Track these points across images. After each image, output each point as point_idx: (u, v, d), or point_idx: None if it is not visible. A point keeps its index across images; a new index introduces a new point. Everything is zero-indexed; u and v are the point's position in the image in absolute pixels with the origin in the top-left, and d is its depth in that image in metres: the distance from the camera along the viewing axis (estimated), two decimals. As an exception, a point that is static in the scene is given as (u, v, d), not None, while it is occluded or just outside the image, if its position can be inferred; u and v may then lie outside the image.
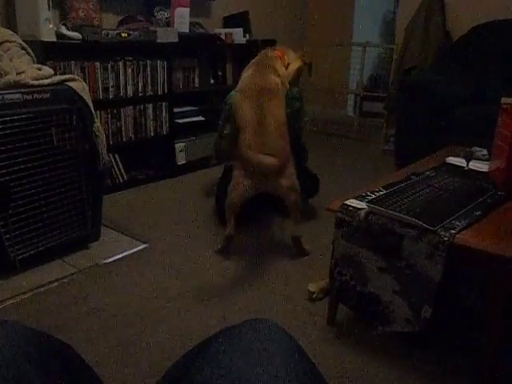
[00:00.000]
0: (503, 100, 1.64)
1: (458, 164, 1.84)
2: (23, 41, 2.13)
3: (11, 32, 2.14)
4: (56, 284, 1.88)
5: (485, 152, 1.93)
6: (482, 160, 1.86)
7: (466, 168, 1.77)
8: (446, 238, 1.23)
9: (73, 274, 1.96)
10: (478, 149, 1.95)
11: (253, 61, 2.35)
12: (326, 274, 1.66)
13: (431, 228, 1.26)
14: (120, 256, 2.13)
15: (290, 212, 2.05)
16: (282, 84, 2.23)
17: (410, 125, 3.16)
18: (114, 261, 2.08)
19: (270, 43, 3.92)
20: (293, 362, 0.52)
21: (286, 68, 2.36)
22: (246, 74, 2.27)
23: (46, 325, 1.60)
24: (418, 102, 3.07)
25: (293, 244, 2.14)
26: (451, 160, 1.91)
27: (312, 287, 1.79)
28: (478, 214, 1.36)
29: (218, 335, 0.58)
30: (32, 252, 1.95)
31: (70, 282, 1.91)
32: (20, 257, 1.91)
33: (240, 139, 1.98)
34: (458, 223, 1.29)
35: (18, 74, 1.90)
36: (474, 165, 1.79)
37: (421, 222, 1.27)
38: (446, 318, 1.67)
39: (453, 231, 1.24)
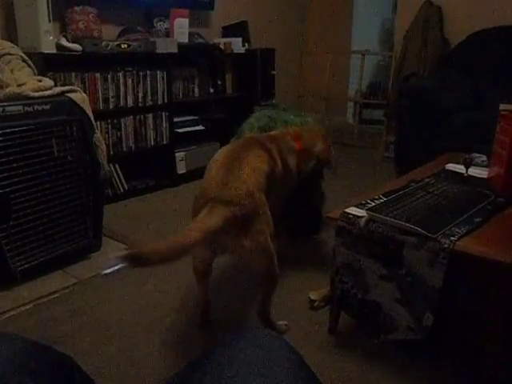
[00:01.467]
0: (502, 106, 1.65)
1: (458, 171, 1.84)
2: (24, 53, 2.15)
3: (12, 44, 2.17)
4: (57, 295, 1.88)
5: (484, 158, 1.93)
6: (481, 166, 1.86)
7: (465, 174, 1.77)
8: (446, 245, 1.23)
9: (74, 284, 1.96)
10: (477, 155, 1.95)
11: None
12: (327, 282, 1.65)
13: (431, 235, 1.26)
14: (121, 266, 2.12)
15: (258, 283, 1.56)
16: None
17: (409, 132, 3.17)
18: (115, 271, 2.08)
19: (269, 52, 3.96)
20: (293, 373, 0.52)
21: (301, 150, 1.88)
22: None
23: (46, 336, 1.60)
24: (418, 109, 3.08)
25: (260, 321, 1.60)
26: (450, 167, 1.91)
27: (313, 295, 1.79)
28: (477, 220, 1.36)
29: (219, 345, 0.58)
30: (33, 263, 1.95)
31: (72, 292, 1.91)
32: (21, 268, 1.91)
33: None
34: (458, 230, 1.29)
35: (18, 85, 1.91)
36: (474, 171, 1.79)
37: (421, 230, 1.27)
38: (447, 323, 1.66)
39: (453, 238, 1.24)
